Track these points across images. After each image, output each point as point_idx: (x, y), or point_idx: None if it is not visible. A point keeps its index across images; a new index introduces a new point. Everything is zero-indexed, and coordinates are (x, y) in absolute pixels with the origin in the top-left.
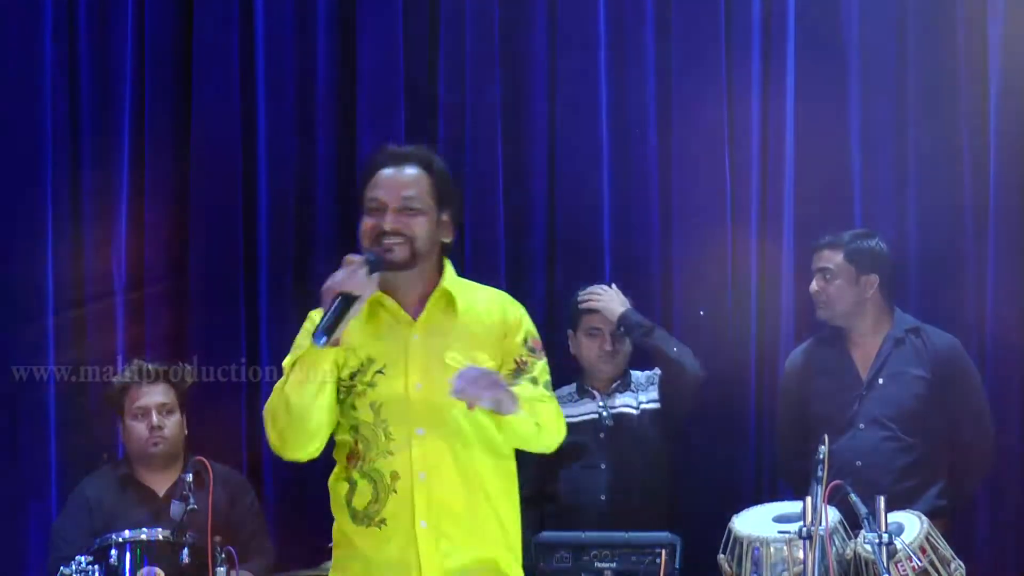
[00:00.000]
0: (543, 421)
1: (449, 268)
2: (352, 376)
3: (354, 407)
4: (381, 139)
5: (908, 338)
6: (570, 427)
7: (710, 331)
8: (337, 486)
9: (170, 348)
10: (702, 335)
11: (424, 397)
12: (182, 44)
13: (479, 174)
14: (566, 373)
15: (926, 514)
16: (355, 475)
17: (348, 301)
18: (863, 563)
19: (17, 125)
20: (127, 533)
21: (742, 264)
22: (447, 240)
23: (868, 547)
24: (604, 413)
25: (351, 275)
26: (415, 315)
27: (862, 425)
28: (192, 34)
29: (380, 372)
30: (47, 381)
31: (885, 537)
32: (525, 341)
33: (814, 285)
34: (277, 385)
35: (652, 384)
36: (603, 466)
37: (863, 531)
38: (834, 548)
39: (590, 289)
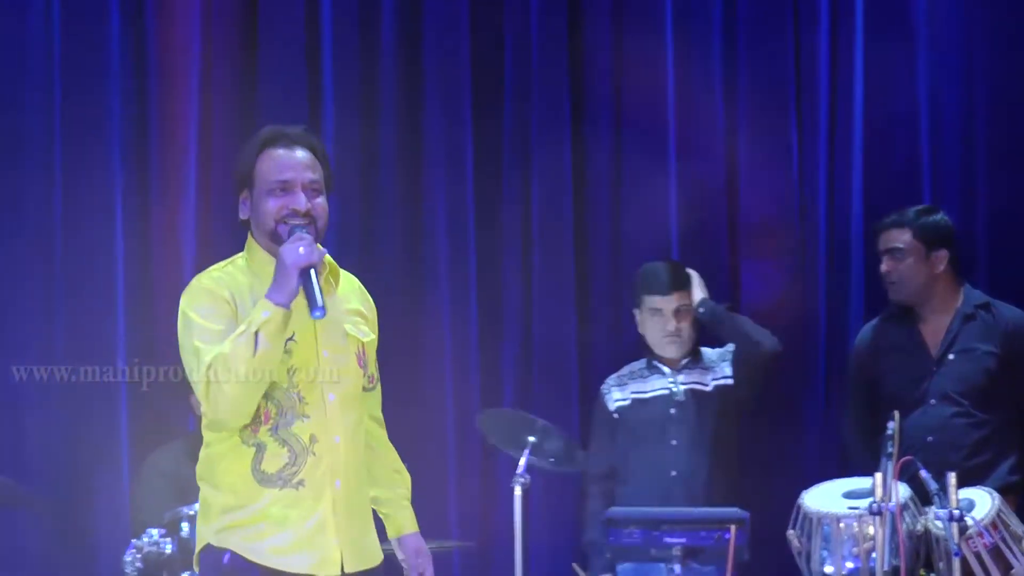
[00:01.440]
0: None
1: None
2: None
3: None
4: (448, 118)
5: (978, 314)
6: (640, 402)
7: (780, 309)
8: (235, 452)
9: None
10: (771, 313)
11: (332, 364)
12: (248, 18)
13: (545, 155)
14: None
15: (997, 490)
16: (264, 439)
17: (315, 272)
18: (934, 539)
19: (85, 102)
20: (199, 506)
21: (811, 242)
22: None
23: (939, 523)
24: (675, 388)
25: (311, 248)
26: None
27: (933, 401)
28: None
29: (291, 339)
30: (119, 356)
31: (956, 513)
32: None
33: (884, 266)
34: (238, 353)
35: (724, 361)
36: (674, 442)
37: (933, 507)
38: (904, 524)
39: None
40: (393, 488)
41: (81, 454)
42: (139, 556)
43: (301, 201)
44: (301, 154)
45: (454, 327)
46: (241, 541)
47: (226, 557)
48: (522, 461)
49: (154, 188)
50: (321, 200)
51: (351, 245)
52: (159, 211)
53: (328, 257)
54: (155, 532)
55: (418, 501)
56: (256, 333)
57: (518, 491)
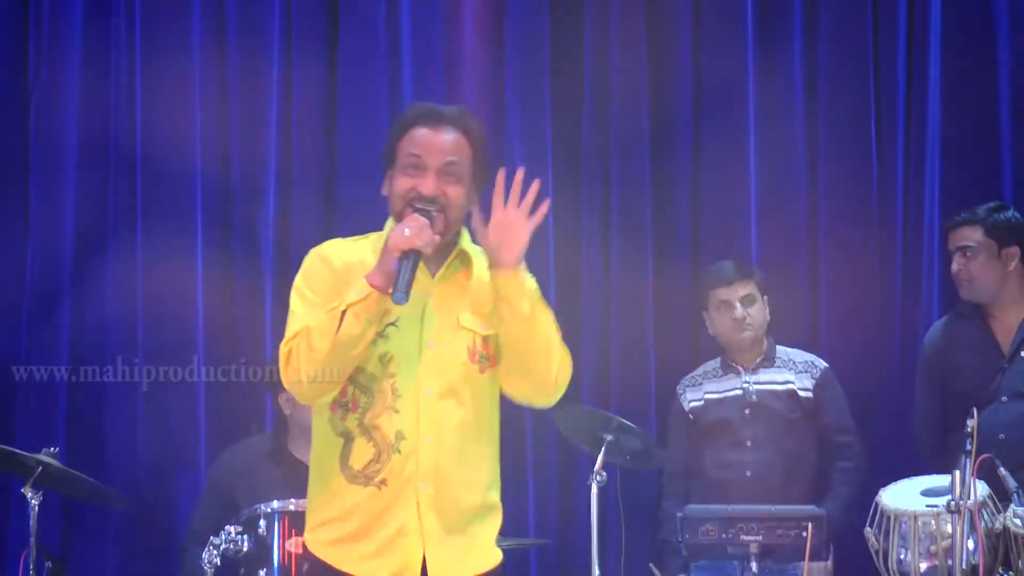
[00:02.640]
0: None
1: (464, 231)
2: None
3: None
4: (527, 117)
5: None
6: (715, 403)
7: (856, 308)
8: (327, 442)
9: None
10: (848, 313)
11: (435, 357)
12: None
13: (625, 156)
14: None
15: None
16: (351, 429)
17: (418, 257)
18: (1012, 537)
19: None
20: (276, 503)
21: (888, 241)
22: (473, 208)
23: (1017, 521)
24: (749, 388)
25: (420, 232)
26: (432, 273)
27: (1005, 398)
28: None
29: (393, 325)
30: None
31: None
32: None
33: (955, 265)
34: (322, 327)
35: (806, 373)
36: (749, 443)
37: (1012, 505)
38: (983, 522)
39: None
40: None
41: (161, 454)
42: (216, 553)
43: (429, 184)
44: (447, 136)
45: None
46: (327, 543)
47: (305, 567)
48: (599, 459)
49: (237, 193)
50: (458, 188)
51: None
52: (240, 209)
53: (467, 243)
54: (232, 529)
55: None
56: (344, 311)
57: (595, 489)
